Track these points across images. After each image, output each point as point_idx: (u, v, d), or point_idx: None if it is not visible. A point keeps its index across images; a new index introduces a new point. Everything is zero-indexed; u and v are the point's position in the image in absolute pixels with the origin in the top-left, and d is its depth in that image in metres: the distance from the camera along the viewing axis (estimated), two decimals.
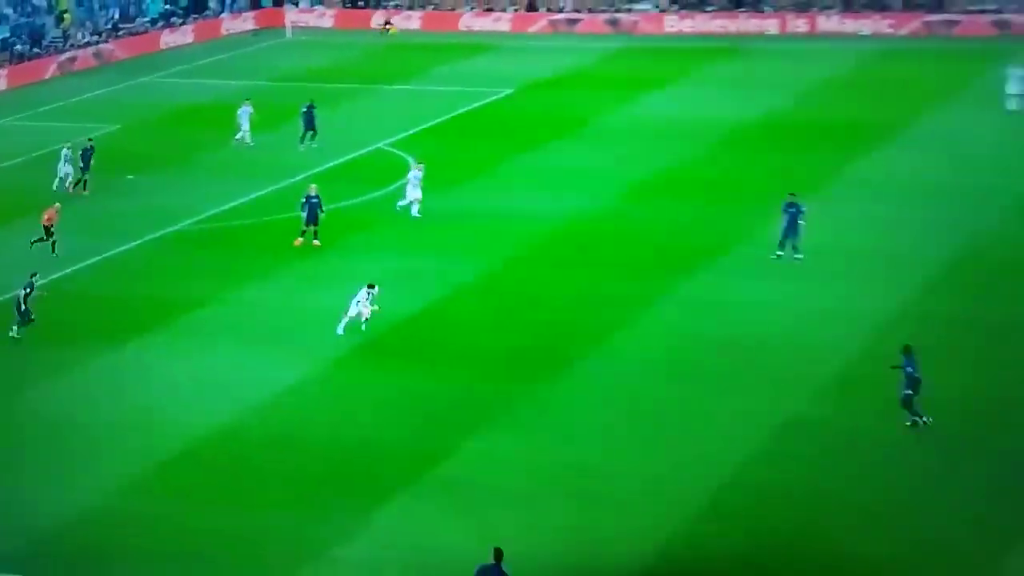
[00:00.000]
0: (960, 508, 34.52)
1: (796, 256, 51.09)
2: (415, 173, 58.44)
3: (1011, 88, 70.76)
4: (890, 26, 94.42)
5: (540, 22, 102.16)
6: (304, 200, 55.01)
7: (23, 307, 46.61)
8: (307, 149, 69.16)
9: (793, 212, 51.36)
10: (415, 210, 57.86)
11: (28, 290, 46.85)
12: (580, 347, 44.84)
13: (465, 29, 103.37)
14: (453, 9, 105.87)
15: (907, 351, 38.28)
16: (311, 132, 70.18)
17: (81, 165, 63.50)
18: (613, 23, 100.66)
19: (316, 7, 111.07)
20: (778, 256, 51.29)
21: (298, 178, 64.00)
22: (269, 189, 63.38)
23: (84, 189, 63.20)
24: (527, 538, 33.39)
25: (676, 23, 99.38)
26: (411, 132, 73.50)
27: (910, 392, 37.91)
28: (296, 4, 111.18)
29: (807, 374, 42.23)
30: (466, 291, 50.40)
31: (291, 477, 37.38)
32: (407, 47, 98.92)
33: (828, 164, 63.95)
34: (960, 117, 71.57)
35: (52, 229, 55.04)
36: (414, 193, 57.92)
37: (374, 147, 70.50)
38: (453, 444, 38.82)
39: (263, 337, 46.77)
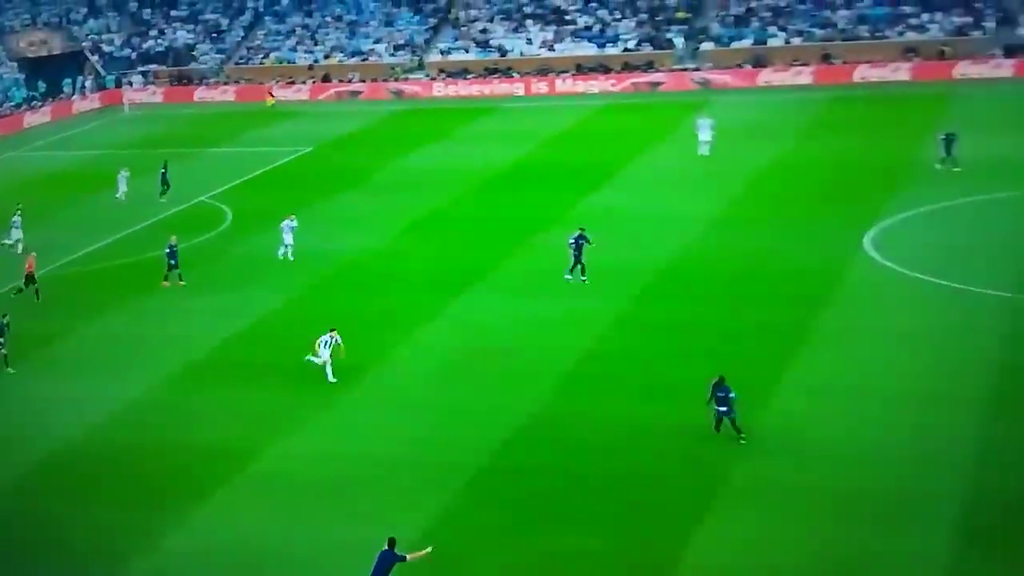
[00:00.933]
0: (676, 479, 35.08)
1: (582, 279, 50.81)
2: (288, 223, 57.05)
3: (701, 135, 71.21)
4: (612, 85, 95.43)
5: (331, 91, 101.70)
6: (168, 249, 53.94)
7: None
8: (157, 201, 68.26)
9: (580, 242, 51.04)
10: (287, 253, 56.68)
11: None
12: (367, 359, 44.63)
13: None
14: (262, 83, 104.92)
15: (719, 382, 36.30)
16: (165, 187, 69.03)
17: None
18: (394, 92, 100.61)
19: (148, 86, 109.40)
20: (567, 280, 50.86)
21: (137, 227, 63.23)
22: (113, 237, 62.43)
23: None
24: (333, 524, 33.36)
25: (443, 88, 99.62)
26: (228, 186, 72.74)
27: (724, 411, 36.09)
28: (131, 84, 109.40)
29: (549, 372, 42.64)
30: (275, 316, 49.95)
31: (129, 479, 36.81)
32: (224, 115, 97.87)
33: (566, 200, 64.36)
34: (665, 159, 72.45)
35: (34, 276, 53.01)
36: (288, 239, 56.72)
37: (197, 200, 69.71)
38: (265, 445, 38.46)
39: (106, 363, 46.03)
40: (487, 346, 44.96)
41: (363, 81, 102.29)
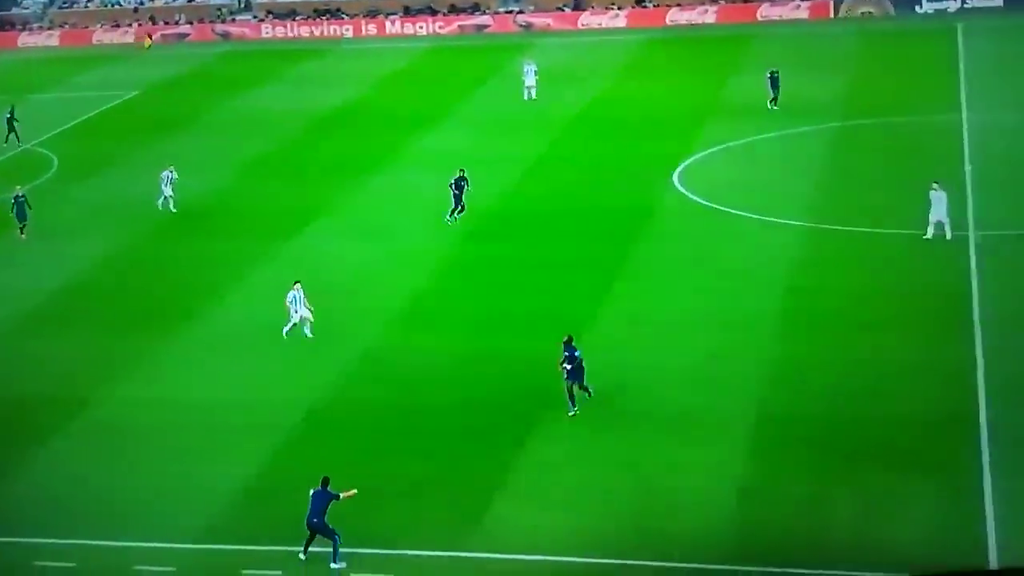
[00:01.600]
0: (503, 405, 37.52)
1: (453, 219, 51.81)
2: (167, 174, 56.04)
3: (527, 80, 72.55)
4: (440, 28, 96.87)
5: (157, 33, 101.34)
6: (13, 199, 53.56)
7: None
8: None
9: (460, 184, 51.80)
10: (168, 204, 56.00)
11: None
12: (202, 304, 46.10)
13: (97, 43, 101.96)
14: (87, 27, 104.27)
15: (568, 341, 36.49)
16: (12, 132, 68.98)
17: None
18: (221, 34, 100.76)
19: None
20: (447, 222, 51.70)
21: None
22: None
23: None
24: (169, 466, 35.04)
25: (271, 30, 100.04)
26: (54, 133, 72.56)
27: (570, 370, 36.03)
28: None
29: (383, 309, 44.61)
30: (103, 265, 50.89)
31: None
32: (48, 61, 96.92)
33: (397, 142, 65.78)
34: (491, 101, 74.29)
35: None
36: (167, 190, 55.76)
37: (22, 148, 69.54)
38: (99, 392, 39.69)
39: None
40: (322, 287, 46.60)
41: (190, 23, 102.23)
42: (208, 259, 50.65)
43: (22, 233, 53.70)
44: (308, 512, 29.93)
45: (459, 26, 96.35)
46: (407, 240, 51.30)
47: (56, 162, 66.45)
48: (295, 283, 42.22)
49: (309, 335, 41.58)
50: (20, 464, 35.84)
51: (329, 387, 39.04)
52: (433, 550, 30.32)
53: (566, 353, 35.91)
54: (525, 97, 72.02)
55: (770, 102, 66.04)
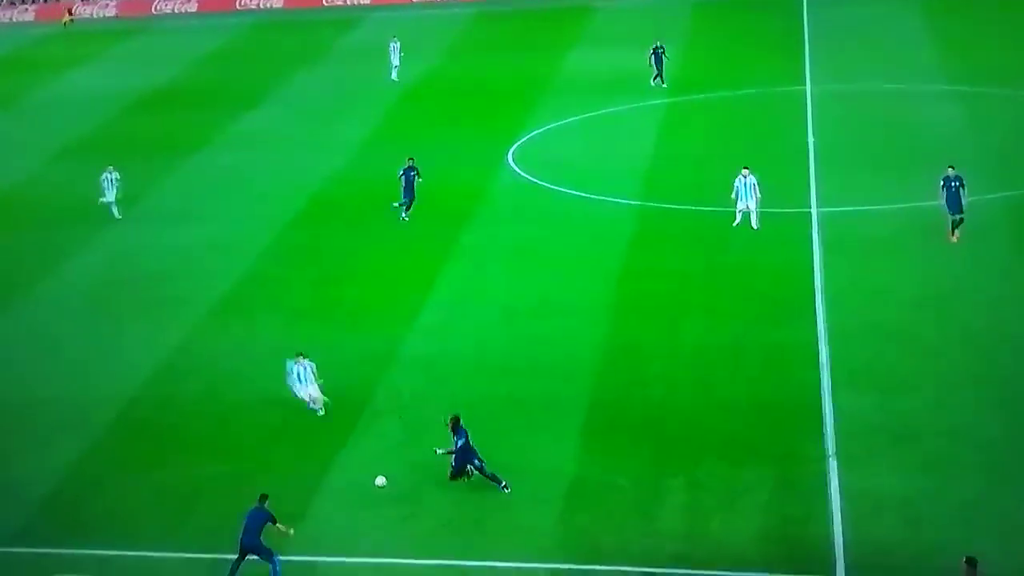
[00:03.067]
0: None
1: (395, 204, 49.41)
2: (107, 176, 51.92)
3: (393, 59, 70.68)
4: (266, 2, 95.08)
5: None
6: None
7: None
8: None
9: (410, 175, 49.13)
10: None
11: None
12: (9, 296, 44.55)
13: None
14: None
15: (455, 423, 31.64)
16: None
17: None
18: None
19: None
20: (403, 219, 49.16)
21: None
22: None
23: None
24: None
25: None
26: None
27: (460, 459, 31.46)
28: None
29: (198, 300, 43.36)
30: None
31: None
32: None
33: (215, 122, 64.66)
34: (328, 79, 73.11)
35: None
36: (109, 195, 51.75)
37: None
38: None
39: None
40: (135, 276, 45.37)
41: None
42: (17, 249, 48.72)
43: None
44: (241, 531, 27.92)
45: None
46: (224, 226, 49.96)
47: None
48: (297, 356, 35.50)
49: (320, 413, 35.56)
50: None
51: (142, 382, 37.70)
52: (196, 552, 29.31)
53: (458, 440, 31.30)
54: (393, 76, 70.15)
55: (653, 79, 65.06)
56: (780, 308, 40.13)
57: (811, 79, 64.50)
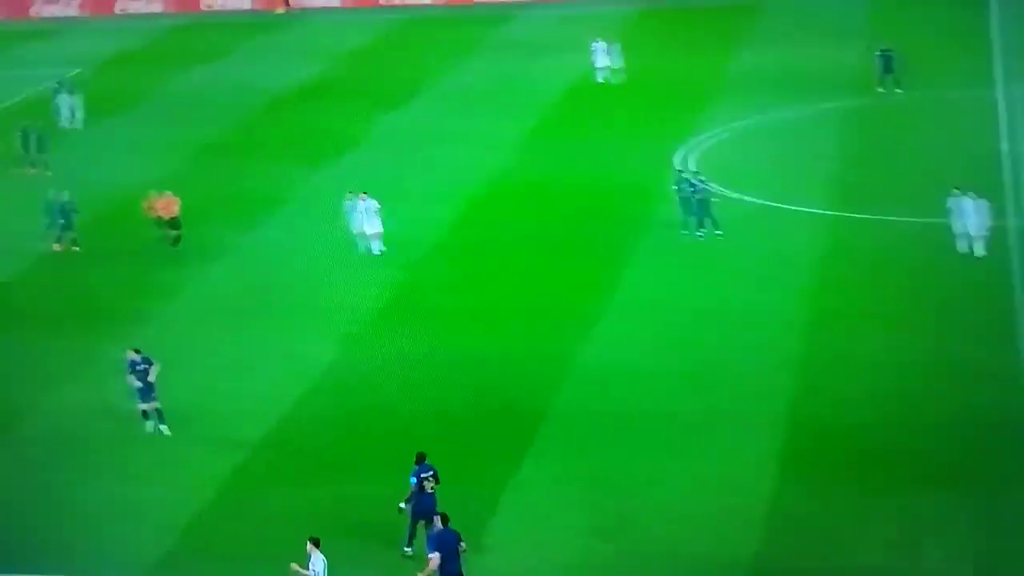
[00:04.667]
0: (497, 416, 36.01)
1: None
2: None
3: (598, 62, 69.28)
4: None
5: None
6: (54, 206, 49.50)
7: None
8: None
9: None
10: None
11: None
12: (148, 304, 44.69)
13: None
14: None
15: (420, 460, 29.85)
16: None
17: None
18: None
19: None
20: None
21: None
22: None
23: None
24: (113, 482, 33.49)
25: None
26: None
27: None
28: None
29: (357, 306, 43.24)
30: (40, 260, 49.23)
31: None
32: None
33: (365, 119, 64.55)
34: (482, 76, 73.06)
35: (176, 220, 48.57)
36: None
37: None
38: (24, 400, 38.21)
39: None
40: (283, 282, 45.52)
41: None
42: (161, 253, 48.83)
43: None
44: (429, 549, 26.99)
45: None
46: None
47: None
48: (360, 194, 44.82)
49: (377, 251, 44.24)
50: None
51: (294, 397, 37.50)
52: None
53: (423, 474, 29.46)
54: (600, 79, 69.19)
55: (880, 82, 63.37)
56: (985, 324, 39.27)
57: (1003, 79, 62.84)
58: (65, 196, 49.74)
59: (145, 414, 35.67)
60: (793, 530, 29.68)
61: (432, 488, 29.03)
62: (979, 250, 43.49)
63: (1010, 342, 37.68)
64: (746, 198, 50.76)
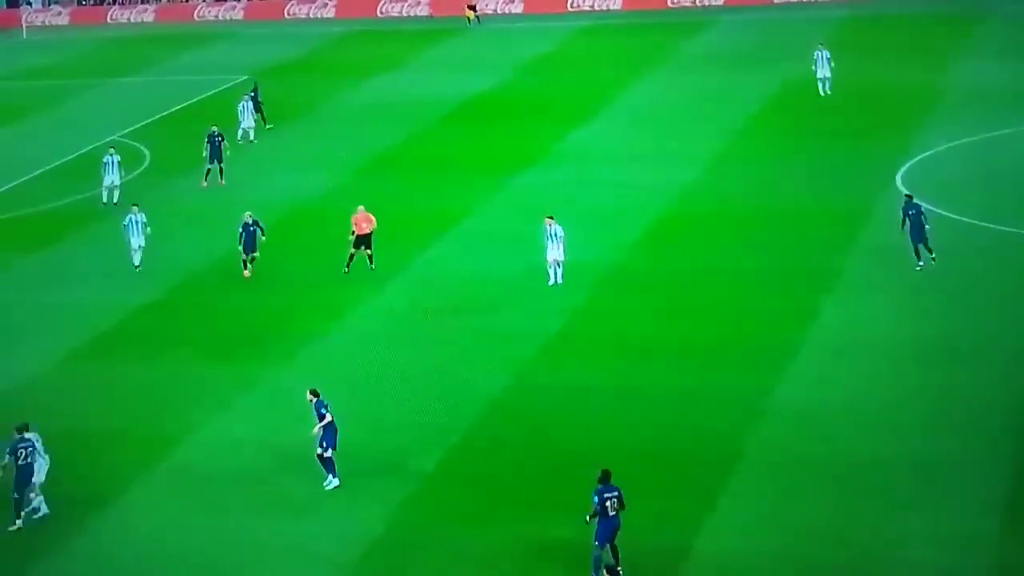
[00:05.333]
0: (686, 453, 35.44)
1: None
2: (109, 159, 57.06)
3: (820, 72, 68.16)
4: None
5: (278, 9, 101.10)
6: (241, 229, 49.29)
7: None
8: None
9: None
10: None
11: None
12: (312, 325, 44.80)
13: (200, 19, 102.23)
14: (186, 0, 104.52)
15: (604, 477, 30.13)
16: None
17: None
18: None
19: (52, 6, 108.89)
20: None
21: (35, 173, 63.64)
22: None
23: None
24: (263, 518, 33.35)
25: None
26: (146, 122, 72.40)
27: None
28: (31, 3, 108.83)
29: (533, 331, 42.86)
30: (199, 278, 49.68)
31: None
32: (142, 39, 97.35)
33: (545, 135, 64.80)
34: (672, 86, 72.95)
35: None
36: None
37: (109, 138, 68.12)
38: (186, 430, 38.28)
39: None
40: (455, 306, 45.34)
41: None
42: (327, 270, 49.03)
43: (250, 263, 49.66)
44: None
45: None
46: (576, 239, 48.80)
47: (148, 156, 65.95)
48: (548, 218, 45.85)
49: (557, 281, 45.74)
50: (88, 519, 34.03)
51: (467, 425, 37.33)
52: None
53: (607, 495, 29.46)
54: (821, 92, 68.20)
55: None
56: None
57: None
58: (250, 218, 49.61)
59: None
60: None
61: (615, 510, 28.73)
62: None
63: None
64: (964, 219, 49.58)
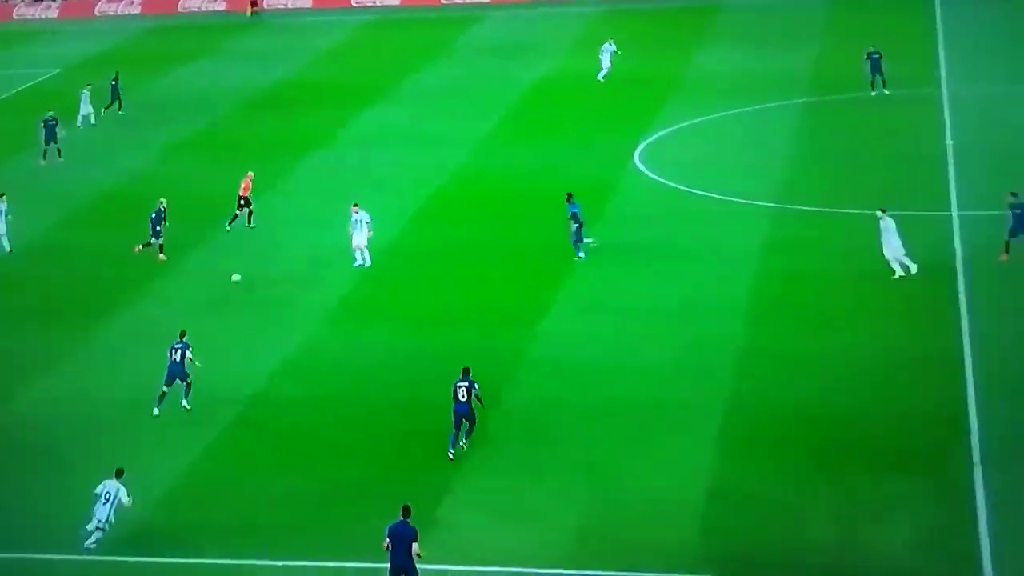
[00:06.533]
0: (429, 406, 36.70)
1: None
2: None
3: (604, 62, 69.39)
4: None
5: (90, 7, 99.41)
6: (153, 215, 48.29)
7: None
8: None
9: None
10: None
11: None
12: (127, 295, 45.21)
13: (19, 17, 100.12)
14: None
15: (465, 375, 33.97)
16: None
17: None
18: None
19: None
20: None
21: None
22: None
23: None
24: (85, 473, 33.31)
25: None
26: None
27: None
28: None
29: (326, 301, 43.81)
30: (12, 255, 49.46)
31: None
32: None
33: (336, 120, 65.16)
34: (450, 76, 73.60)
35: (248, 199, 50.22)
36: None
37: None
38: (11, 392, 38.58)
39: None
40: (257, 278, 45.64)
41: None
42: (128, 247, 48.74)
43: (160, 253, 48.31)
44: (389, 546, 27.46)
45: None
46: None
47: None
48: (353, 206, 45.50)
49: (365, 263, 45.51)
50: None
51: (265, 384, 38.12)
52: (381, 560, 28.99)
53: (457, 383, 33.44)
54: (600, 77, 69.46)
55: (871, 84, 63.27)
56: (923, 314, 39.85)
57: (947, 80, 63.73)
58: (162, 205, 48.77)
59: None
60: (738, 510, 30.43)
61: (464, 397, 32.95)
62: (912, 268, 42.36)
63: (949, 332, 38.39)
64: (693, 191, 51.47)
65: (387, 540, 27.45)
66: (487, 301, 42.99)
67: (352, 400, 36.99)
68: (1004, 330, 38.42)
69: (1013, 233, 42.63)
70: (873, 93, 63.02)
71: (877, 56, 63.24)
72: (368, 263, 45.92)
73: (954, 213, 46.95)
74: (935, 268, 42.67)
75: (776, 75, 66.73)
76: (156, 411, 36.35)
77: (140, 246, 48.31)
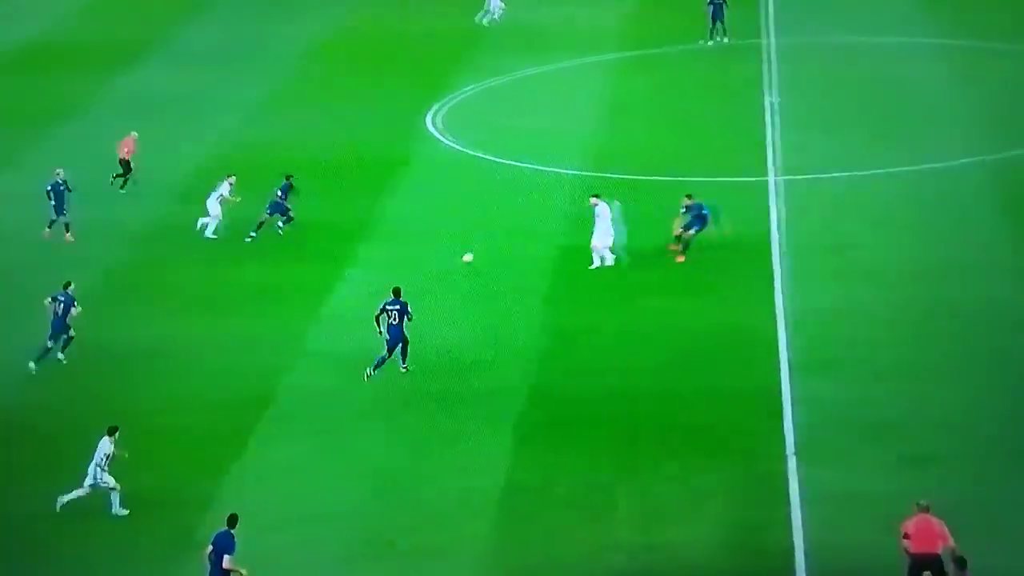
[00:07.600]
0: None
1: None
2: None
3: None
4: None
5: None
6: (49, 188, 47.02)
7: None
8: None
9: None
10: None
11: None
12: None
13: None
14: None
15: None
16: None
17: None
18: None
19: None
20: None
21: None
22: None
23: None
24: None
25: None
26: None
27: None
28: None
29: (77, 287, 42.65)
30: None
31: None
32: None
33: (89, 85, 64.13)
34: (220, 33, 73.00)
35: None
36: None
37: None
38: None
39: None
40: None
41: None
42: None
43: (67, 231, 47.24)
44: (210, 551, 27.29)
45: None
46: (104, 205, 49.38)
47: None
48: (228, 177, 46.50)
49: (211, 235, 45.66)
50: None
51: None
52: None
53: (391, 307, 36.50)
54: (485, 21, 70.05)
55: (709, 33, 64.02)
56: (738, 288, 40.69)
57: (772, 31, 65.02)
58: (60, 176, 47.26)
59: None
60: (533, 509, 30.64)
61: (397, 321, 35.95)
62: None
63: (764, 308, 39.20)
64: (490, 158, 52.15)
65: (210, 547, 27.34)
66: (265, 283, 42.86)
67: (105, 396, 36.45)
68: (825, 303, 39.26)
69: (688, 227, 42.84)
70: (710, 43, 63.76)
71: (720, 2, 63.72)
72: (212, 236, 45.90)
73: (772, 178, 47.89)
74: (751, 238, 43.46)
75: (579, 30, 67.83)
76: (33, 366, 37.29)
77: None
